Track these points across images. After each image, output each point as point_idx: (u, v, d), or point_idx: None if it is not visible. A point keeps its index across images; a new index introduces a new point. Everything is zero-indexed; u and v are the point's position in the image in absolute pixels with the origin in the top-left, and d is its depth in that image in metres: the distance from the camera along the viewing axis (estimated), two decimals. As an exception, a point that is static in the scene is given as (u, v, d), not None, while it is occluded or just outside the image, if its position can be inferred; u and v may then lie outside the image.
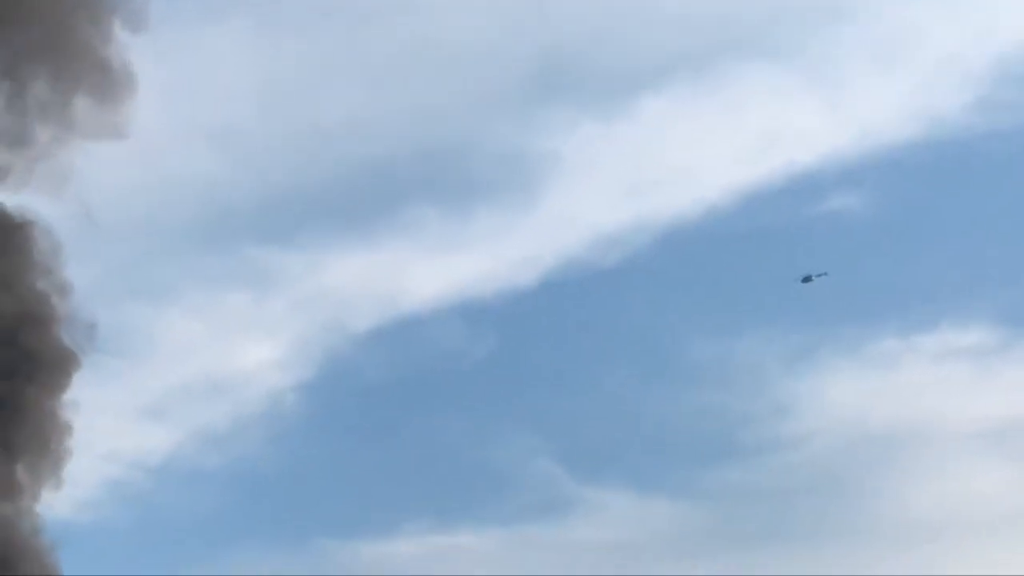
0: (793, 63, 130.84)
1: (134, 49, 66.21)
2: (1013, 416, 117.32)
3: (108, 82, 65.79)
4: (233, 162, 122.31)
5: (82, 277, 66.02)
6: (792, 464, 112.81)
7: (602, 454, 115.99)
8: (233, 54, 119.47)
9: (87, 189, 65.99)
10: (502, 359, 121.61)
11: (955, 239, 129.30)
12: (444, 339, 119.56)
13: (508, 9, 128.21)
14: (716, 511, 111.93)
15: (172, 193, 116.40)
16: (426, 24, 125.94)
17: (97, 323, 66.23)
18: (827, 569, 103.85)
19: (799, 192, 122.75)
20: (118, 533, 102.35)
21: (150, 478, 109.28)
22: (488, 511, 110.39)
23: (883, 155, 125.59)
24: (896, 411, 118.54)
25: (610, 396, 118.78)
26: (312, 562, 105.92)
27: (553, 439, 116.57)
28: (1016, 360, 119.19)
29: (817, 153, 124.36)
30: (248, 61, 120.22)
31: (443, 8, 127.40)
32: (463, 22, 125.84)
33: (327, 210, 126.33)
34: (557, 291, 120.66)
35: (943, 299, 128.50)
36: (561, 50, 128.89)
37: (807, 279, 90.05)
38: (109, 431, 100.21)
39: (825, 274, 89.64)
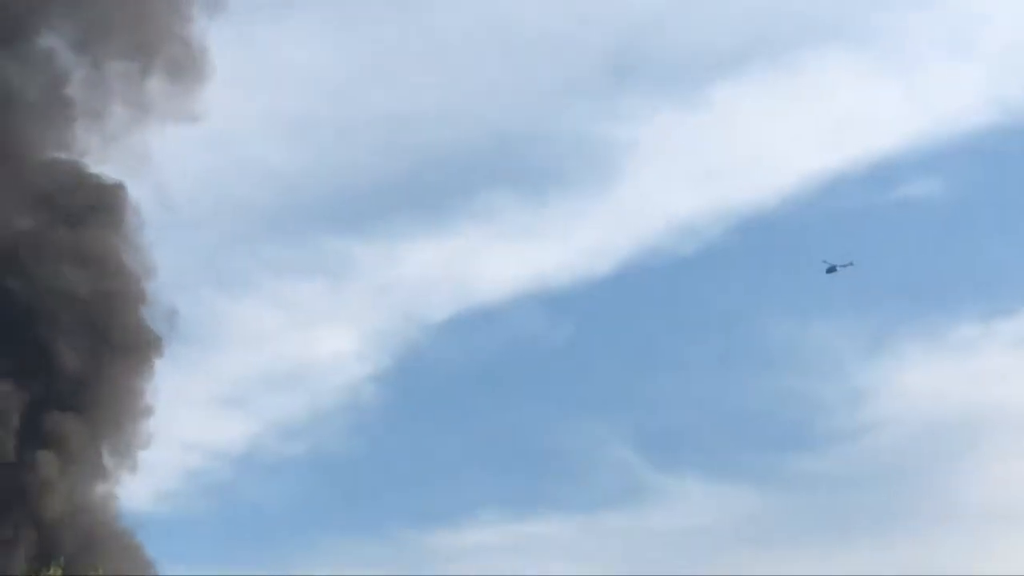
0: (869, 50, 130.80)
1: (213, 37, 67.08)
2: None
3: (184, 63, 66.24)
4: (309, 151, 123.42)
5: (159, 264, 66.79)
6: (868, 451, 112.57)
7: (678, 441, 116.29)
8: (310, 43, 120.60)
9: (164, 175, 66.83)
10: (578, 347, 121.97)
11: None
12: (520, 327, 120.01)
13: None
14: (792, 498, 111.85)
15: (249, 181, 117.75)
16: (502, 12, 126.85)
17: (178, 309, 67.20)
18: (901, 556, 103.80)
19: (876, 178, 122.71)
20: (198, 523, 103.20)
21: (230, 468, 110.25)
22: (564, 499, 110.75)
23: (961, 141, 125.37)
24: (974, 397, 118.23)
25: (686, 383, 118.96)
26: (389, 550, 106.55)
27: (629, 426, 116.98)
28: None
29: (894, 139, 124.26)
30: (324, 50, 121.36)
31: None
32: (539, 9, 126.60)
33: (403, 199, 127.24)
34: (633, 278, 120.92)
35: (1022, 284, 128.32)
36: (637, 37, 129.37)
37: (831, 269, 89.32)
38: (188, 421, 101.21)
39: (851, 264, 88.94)
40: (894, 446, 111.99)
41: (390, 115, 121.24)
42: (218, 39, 67.30)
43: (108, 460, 64.07)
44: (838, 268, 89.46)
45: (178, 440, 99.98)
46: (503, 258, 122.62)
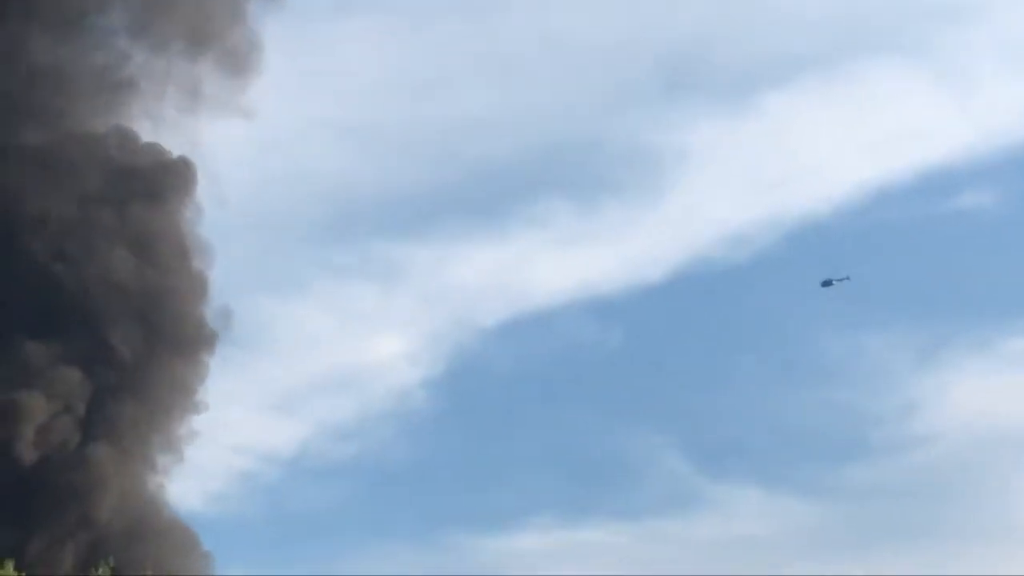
0: (922, 61, 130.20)
1: (271, 36, 67.35)
2: None
3: (239, 57, 66.59)
4: (363, 156, 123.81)
5: (211, 266, 67.11)
6: (920, 463, 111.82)
7: (729, 450, 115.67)
8: (365, 49, 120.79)
9: (217, 172, 67.11)
10: (630, 354, 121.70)
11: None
12: (572, 333, 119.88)
13: (637, 6, 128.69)
14: (843, 509, 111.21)
15: (302, 185, 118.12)
16: (556, 21, 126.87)
17: (232, 310, 67.22)
18: (952, 570, 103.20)
19: (929, 189, 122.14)
20: (247, 526, 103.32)
21: (280, 471, 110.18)
22: (615, 506, 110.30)
23: (1014, 153, 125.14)
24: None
25: (738, 392, 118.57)
26: (439, 556, 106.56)
27: (681, 434, 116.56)
28: None
29: (948, 151, 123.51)
30: (379, 56, 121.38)
31: (573, 6, 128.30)
32: (593, 19, 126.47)
33: (456, 204, 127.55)
34: (685, 286, 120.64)
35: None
36: (689, 47, 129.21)
37: (827, 283, 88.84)
38: (239, 423, 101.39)
39: (847, 278, 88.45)
40: (946, 458, 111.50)
41: (445, 121, 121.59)
42: (275, 37, 67.92)
43: (159, 454, 64.59)
44: (834, 282, 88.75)
45: (229, 442, 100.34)
46: (555, 265, 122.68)
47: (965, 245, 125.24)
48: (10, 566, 46.96)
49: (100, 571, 45.52)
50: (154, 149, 65.43)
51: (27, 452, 58.13)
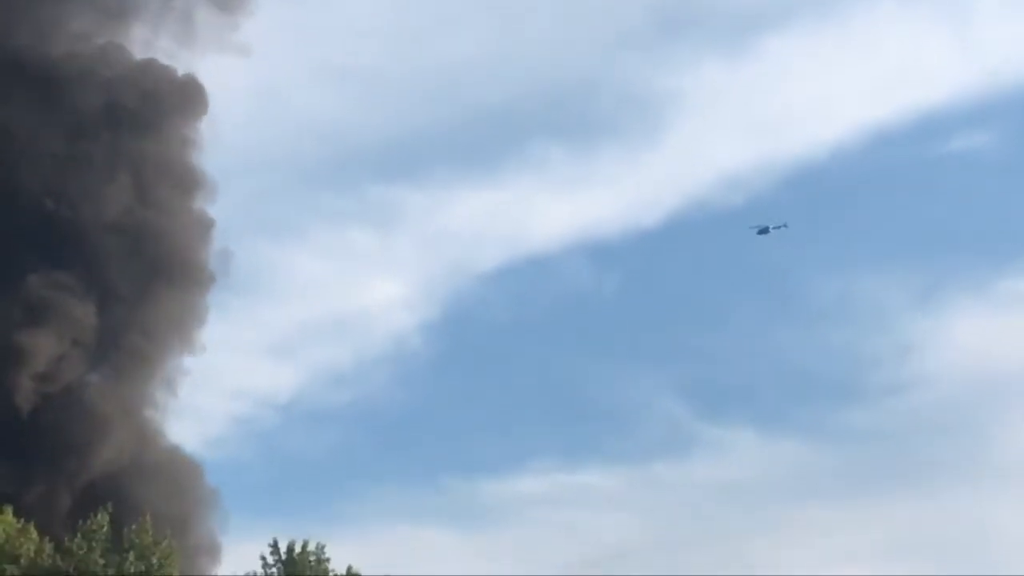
0: (921, 2, 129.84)
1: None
2: None
3: None
4: (359, 101, 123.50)
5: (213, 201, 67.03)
6: (916, 405, 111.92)
7: (727, 393, 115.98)
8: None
9: (214, 119, 66.89)
10: (627, 298, 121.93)
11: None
12: (569, 278, 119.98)
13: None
14: (840, 451, 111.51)
15: (299, 131, 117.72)
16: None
17: (232, 252, 67.30)
18: (947, 509, 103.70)
19: (926, 131, 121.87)
20: (244, 470, 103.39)
21: (277, 416, 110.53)
22: (612, 450, 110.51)
23: (1011, 94, 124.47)
24: (1023, 349, 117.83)
25: (735, 335, 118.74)
26: (436, 500, 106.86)
27: (678, 378, 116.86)
28: None
29: (944, 92, 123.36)
30: (376, 1, 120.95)
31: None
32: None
33: (453, 149, 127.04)
34: (681, 230, 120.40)
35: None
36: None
37: (764, 231, 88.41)
38: (236, 368, 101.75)
39: (784, 226, 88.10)
40: (942, 399, 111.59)
41: (441, 65, 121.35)
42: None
43: (158, 391, 64.63)
44: (771, 229, 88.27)
45: (227, 387, 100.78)
46: (552, 209, 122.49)
47: (962, 187, 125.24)
48: (9, 512, 47.25)
49: (99, 517, 45.70)
50: (155, 67, 64.67)
51: (26, 397, 58.19)
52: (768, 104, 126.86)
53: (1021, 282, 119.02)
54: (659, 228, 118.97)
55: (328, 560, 46.54)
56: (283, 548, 46.26)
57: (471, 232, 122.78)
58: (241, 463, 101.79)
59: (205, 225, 64.82)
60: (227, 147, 68.73)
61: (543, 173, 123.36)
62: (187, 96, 64.49)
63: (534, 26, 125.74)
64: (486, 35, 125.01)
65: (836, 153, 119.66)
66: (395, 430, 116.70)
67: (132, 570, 44.60)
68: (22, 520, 46.82)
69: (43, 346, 58.24)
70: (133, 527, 45.53)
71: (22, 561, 44.88)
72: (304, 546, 46.33)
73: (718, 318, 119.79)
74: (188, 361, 66.00)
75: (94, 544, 44.79)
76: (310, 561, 46.29)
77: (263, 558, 46.22)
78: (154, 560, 45.14)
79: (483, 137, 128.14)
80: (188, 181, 64.42)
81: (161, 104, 63.58)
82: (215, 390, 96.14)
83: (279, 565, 46.14)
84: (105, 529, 45.30)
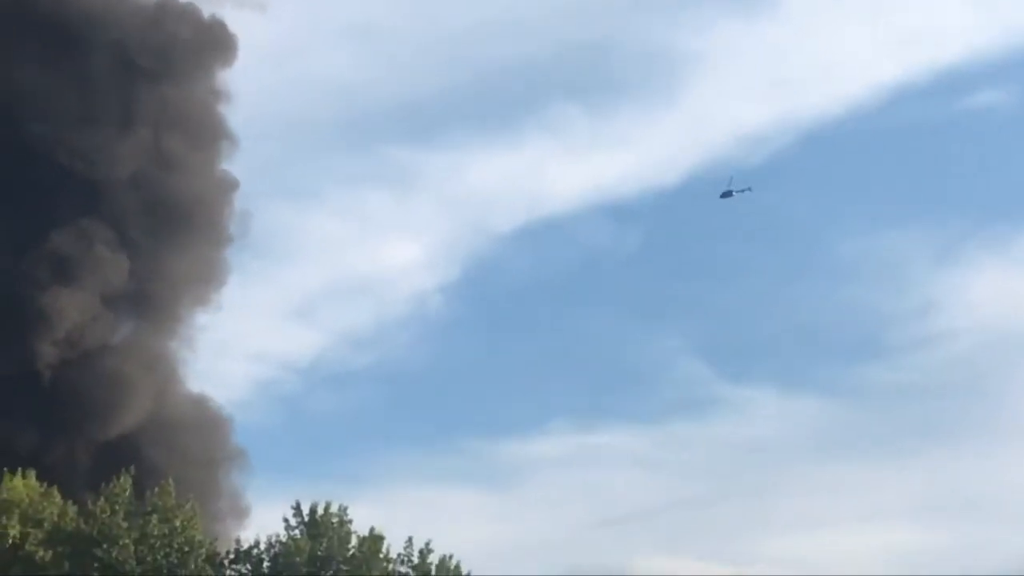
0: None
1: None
2: None
3: None
4: (377, 62, 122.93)
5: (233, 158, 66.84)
6: (937, 362, 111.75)
7: (746, 352, 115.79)
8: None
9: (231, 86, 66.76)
10: (646, 257, 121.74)
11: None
12: (588, 237, 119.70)
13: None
14: (860, 409, 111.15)
15: (315, 93, 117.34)
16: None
17: (251, 213, 67.38)
18: (968, 466, 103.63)
19: (944, 89, 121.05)
20: (266, 432, 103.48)
21: (298, 379, 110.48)
22: (632, 409, 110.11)
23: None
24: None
25: (755, 294, 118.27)
26: (457, 460, 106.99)
27: (698, 337, 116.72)
28: None
29: (962, 50, 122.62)
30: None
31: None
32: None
33: (471, 110, 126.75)
34: (700, 189, 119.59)
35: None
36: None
37: (727, 194, 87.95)
38: (257, 332, 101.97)
39: (749, 189, 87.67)
40: (962, 356, 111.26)
41: (459, 27, 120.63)
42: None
43: (176, 349, 64.83)
44: (734, 193, 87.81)
45: (248, 350, 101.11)
46: (570, 169, 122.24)
47: (981, 144, 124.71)
48: (32, 475, 47.39)
49: (122, 480, 45.80)
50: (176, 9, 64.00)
51: (48, 357, 58.18)
52: (786, 63, 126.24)
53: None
54: (677, 187, 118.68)
55: (351, 521, 46.46)
56: (306, 510, 46.25)
57: (490, 193, 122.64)
58: (263, 426, 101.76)
59: (228, 185, 64.68)
60: (243, 106, 68.43)
61: (561, 134, 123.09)
62: (214, 41, 64.11)
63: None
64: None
65: (854, 111, 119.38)
66: (416, 392, 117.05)
67: (155, 532, 44.73)
68: (45, 484, 47.02)
69: (70, 306, 58.25)
70: (156, 490, 45.62)
71: (45, 524, 45.00)
72: (327, 508, 46.28)
73: (738, 277, 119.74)
74: (210, 324, 66.72)
75: (117, 507, 44.83)
76: (333, 523, 46.25)
77: (286, 520, 46.19)
78: (177, 523, 45.24)
79: (501, 98, 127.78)
80: (211, 135, 64.31)
81: (185, 49, 63.26)
82: (237, 353, 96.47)
83: (302, 527, 46.14)
84: (128, 492, 45.36)
